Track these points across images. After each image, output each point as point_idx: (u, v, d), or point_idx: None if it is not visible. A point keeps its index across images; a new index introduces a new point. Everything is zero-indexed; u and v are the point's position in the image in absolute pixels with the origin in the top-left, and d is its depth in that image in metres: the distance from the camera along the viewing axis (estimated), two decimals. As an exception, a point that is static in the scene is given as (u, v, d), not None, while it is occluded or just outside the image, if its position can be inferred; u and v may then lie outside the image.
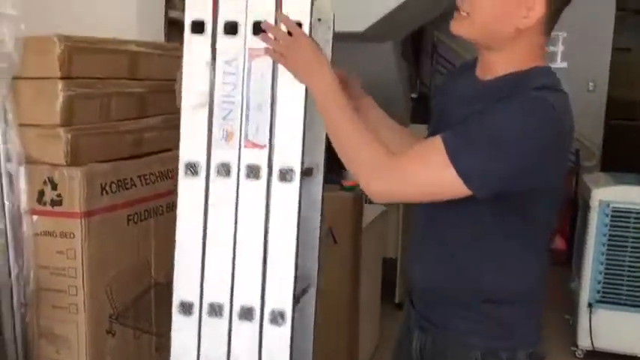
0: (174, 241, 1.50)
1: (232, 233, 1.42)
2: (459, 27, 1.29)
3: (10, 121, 1.79)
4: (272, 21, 1.37)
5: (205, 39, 1.40)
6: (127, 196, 1.96)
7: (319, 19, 1.42)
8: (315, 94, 1.34)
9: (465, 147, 1.18)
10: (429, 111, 5.11)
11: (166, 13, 2.93)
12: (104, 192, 1.87)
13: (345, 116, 1.31)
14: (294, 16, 1.35)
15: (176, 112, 2.41)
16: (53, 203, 1.81)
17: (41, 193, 1.82)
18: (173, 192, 2.21)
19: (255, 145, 1.40)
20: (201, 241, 1.44)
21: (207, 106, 1.40)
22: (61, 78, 1.78)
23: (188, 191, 1.47)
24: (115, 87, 1.99)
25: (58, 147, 1.79)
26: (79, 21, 2.49)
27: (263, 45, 1.38)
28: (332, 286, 2.58)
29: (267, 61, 1.39)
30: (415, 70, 6.19)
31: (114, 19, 2.64)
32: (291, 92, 1.38)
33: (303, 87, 1.37)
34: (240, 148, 1.40)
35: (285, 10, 1.36)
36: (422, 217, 1.40)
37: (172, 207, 2.21)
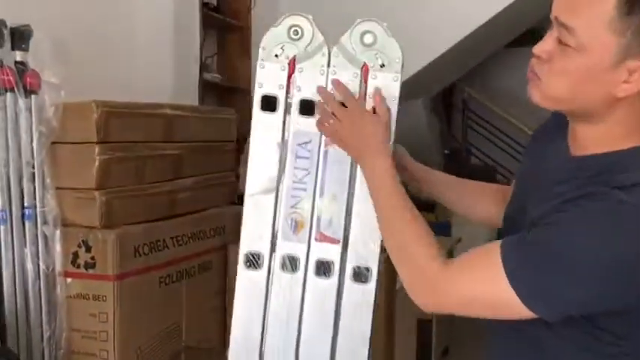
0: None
1: (295, 337, 1.29)
2: (535, 93, 1.03)
3: (47, 185, 1.82)
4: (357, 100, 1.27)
5: (277, 118, 1.28)
6: (160, 258, 1.97)
7: (382, 65, 1.27)
8: (367, 178, 1.21)
9: (527, 267, 0.96)
10: (462, 167, 5.08)
11: (201, 75, 3.00)
12: (137, 254, 1.87)
13: (398, 210, 1.15)
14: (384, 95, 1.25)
15: (210, 173, 2.46)
16: (87, 266, 1.82)
17: (75, 256, 1.83)
18: (205, 253, 2.23)
19: (327, 239, 1.26)
20: (258, 347, 1.30)
21: (275, 192, 1.28)
22: (98, 142, 1.82)
23: (248, 285, 1.29)
24: (150, 150, 2.02)
25: (93, 210, 1.81)
26: (119, 86, 2.57)
27: None
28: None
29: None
30: (446, 126, 6.20)
31: (151, 83, 2.71)
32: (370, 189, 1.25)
33: None
34: (309, 241, 1.27)
35: (371, 88, 1.26)
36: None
37: (204, 268, 2.21)
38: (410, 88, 4.49)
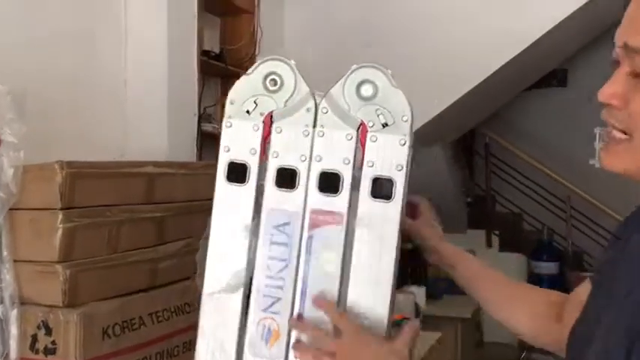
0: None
1: None
2: (614, 157, 0.80)
3: (3, 257, 1.60)
4: (347, 174, 1.00)
5: (247, 191, 1.02)
6: (135, 339, 1.72)
7: (384, 124, 1.01)
8: None
9: None
10: (487, 215, 4.74)
11: (199, 127, 2.80)
12: (106, 336, 1.63)
13: None
14: (383, 168, 0.99)
15: (200, 235, 2.23)
16: (47, 351, 1.58)
17: (34, 339, 1.59)
18: (191, 328, 1.97)
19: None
20: None
21: (242, 292, 1.01)
22: (62, 208, 1.60)
23: None
24: (127, 213, 1.80)
25: (55, 286, 1.58)
26: (105, 144, 2.38)
27: (334, 207, 1.00)
28: None
29: (338, 232, 1.00)
30: (469, 173, 5.93)
31: (144, 139, 2.52)
32: (373, 282, 0.99)
33: (390, 271, 0.98)
34: (287, 358, 1.01)
35: (369, 159, 1.01)
36: None
37: (191, 345, 1.95)
38: (429, 135, 4.28)
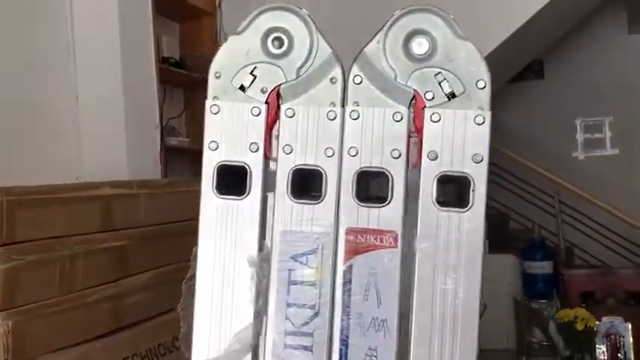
0: None
1: None
2: None
3: None
4: (399, 173, 0.71)
5: (248, 206, 0.72)
6: (99, 394, 1.44)
7: (451, 94, 0.72)
8: None
9: None
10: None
11: (163, 141, 2.53)
12: (63, 395, 1.35)
13: None
14: (454, 160, 0.71)
15: (171, 263, 1.96)
16: (-9, 420, 1.29)
17: (-26, 407, 1.31)
18: (168, 374, 1.71)
19: None
20: None
21: (250, 355, 0.71)
22: (1, 245, 1.33)
23: None
24: (83, 244, 1.53)
25: (-4, 340, 1.30)
26: (57, 167, 2.11)
27: (382, 223, 0.70)
28: None
29: (390, 256, 0.70)
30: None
31: (102, 159, 2.25)
32: (449, 333, 0.70)
33: (475, 311, 0.70)
34: None
35: (430, 149, 0.71)
36: None
37: (168, 394, 1.68)
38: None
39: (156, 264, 1.77)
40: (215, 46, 2.91)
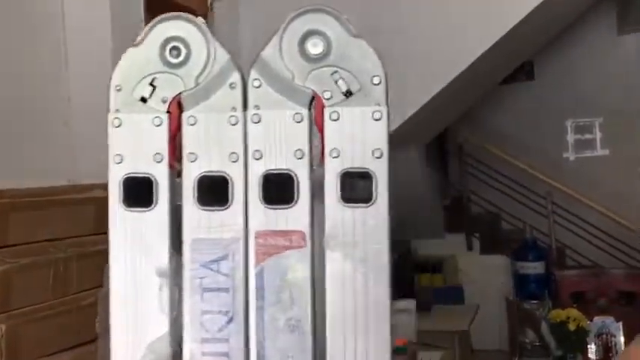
0: None
1: None
2: None
3: None
4: (303, 173, 0.72)
5: (156, 218, 0.72)
6: (94, 398, 1.43)
7: (347, 92, 0.74)
8: None
9: None
10: (465, 218, 4.50)
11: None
12: (58, 399, 1.34)
13: None
14: (355, 157, 0.72)
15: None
16: None
17: (-32, 412, 1.29)
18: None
19: None
20: None
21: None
22: (-7, 248, 1.32)
23: None
24: (77, 247, 1.52)
25: (-10, 344, 1.29)
26: (48, 168, 2.09)
27: (290, 224, 0.71)
28: None
29: (300, 255, 0.71)
30: (444, 176, 5.73)
31: (94, 158, 2.23)
32: (361, 327, 0.70)
33: (386, 304, 0.70)
34: None
35: (332, 147, 0.72)
36: None
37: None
38: (403, 137, 4.08)
39: (150, 266, 1.77)
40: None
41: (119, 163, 0.72)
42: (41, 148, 2.18)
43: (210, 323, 0.67)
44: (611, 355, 3.08)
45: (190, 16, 0.71)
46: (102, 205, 1.69)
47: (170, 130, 0.71)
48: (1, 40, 2.05)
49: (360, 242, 0.70)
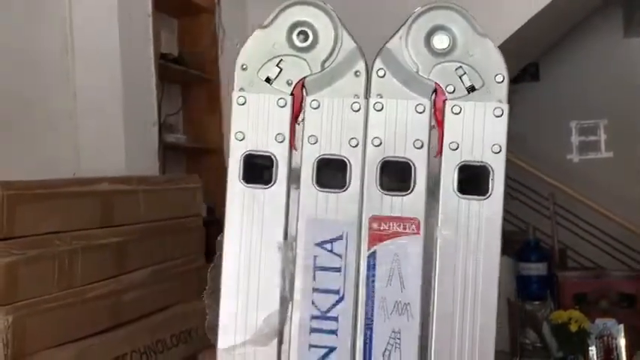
0: None
1: None
2: None
3: None
4: (422, 162, 0.73)
5: (274, 195, 0.73)
6: (98, 391, 1.44)
7: (471, 88, 0.75)
8: None
9: None
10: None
11: (161, 138, 2.52)
12: (62, 391, 1.35)
13: None
14: (474, 151, 0.73)
15: (169, 260, 1.94)
16: (-11, 416, 1.28)
17: (-26, 402, 1.30)
18: (166, 370, 1.70)
19: None
20: None
21: (276, 344, 0.72)
22: (0, 239, 1.32)
23: None
24: (82, 240, 1.53)
25: (-5, 335, 1.29)
26: (55, 163, 2.10)
27: (405, 211, 0.72)
28: None
29: (413, 241, 0.72)
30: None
31: (100, 155, 2.24)
32: (469, 315, 0.72)
33: (494, 296, 0.73)
34: None
35: (451, 140, 0.73)
36: None
37: (166, 390, 1.67)
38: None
39: (155, 261, 1.77)
40: (214, 43, 2.90)
41: (241, 140, 0.73)
42: (47, 142, 2.18)
43: (320, 301, 0.70)
44: (612, 357, 3.08)
45: (320, 3, 0.74)
46: (108, 198, 1.69)
47: (293, 111, 0.73)
48: (7, 34, 2.06)
49: (473, 233, 0.73)
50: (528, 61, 5.07)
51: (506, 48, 3.48)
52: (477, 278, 0.70)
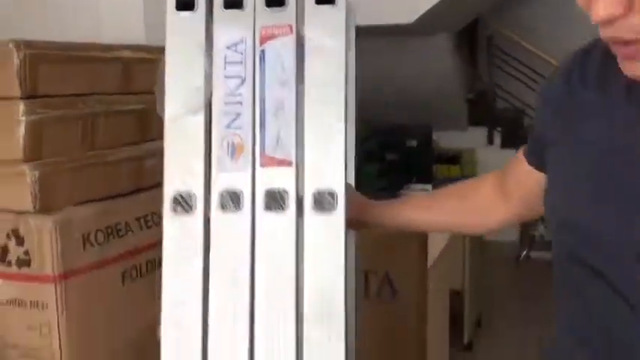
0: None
1: (248, 294, 0.93)
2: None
3: (-42, 158, 1.36)
4: None
5: (197, 16, 0.98)
6: (121, 247, 1.51)
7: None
8: None
9: None
10: (487, 112, 4.49)
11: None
12: (87, 244, 1.42)
13: None
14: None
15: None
16: (20, 263, 1.37)
17: (4, 250, 1.38)
18: (185, 234, 1.78)
19: (276, 162, 0.96)
20: (200, 311, 0.94)
21: (203, 111, 0.99)
22: (23, 97, 1.35)
23: (178, 236, 1.00)
24: (104, 104, 1.55)
25: (23, 189, 1.35)
26: (73, 30, 2.08)
27: (281, 20, 0.96)
28: (397, 337, 2.17)
29: (288, 41, 0.96)
30: (471, 68, 5.62)
31: (119, 21, 2.22)
32: (326, 84, 0.95)
33: (341, 74, 0.94)
34: (254, 168, 0.97)
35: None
36: None
37: (186, 253, 1.75)
38: (429, 23, 3.95)
39: (175, 130, 1.80)
40: None
41: None
42: (67, 10, 2.17)
43: (230, 83, 0.98)
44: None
45: None
46: (130, 66, 1.70)
47: None
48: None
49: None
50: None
51: None
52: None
